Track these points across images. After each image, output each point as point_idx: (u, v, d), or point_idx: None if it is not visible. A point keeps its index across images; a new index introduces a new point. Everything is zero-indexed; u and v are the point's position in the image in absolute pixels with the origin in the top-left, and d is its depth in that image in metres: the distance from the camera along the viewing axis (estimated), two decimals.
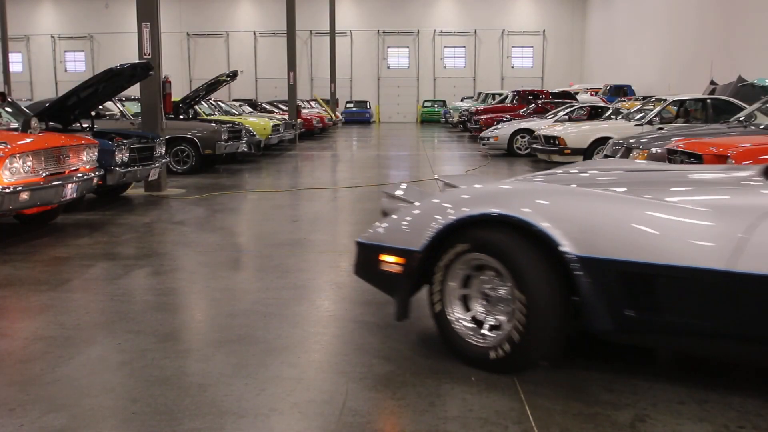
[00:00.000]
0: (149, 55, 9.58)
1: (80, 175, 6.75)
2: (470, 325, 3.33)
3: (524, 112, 20.41)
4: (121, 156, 8.24)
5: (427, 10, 41.85)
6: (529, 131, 15.53)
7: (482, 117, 20.47)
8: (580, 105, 17.43)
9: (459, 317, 3.35)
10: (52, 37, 43.31)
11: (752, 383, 3.17)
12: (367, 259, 3.62)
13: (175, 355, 3.54)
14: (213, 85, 14.32)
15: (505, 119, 18.67)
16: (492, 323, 3.28)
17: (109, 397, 3.05)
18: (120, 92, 9.48)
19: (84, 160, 6.94)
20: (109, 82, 8.61)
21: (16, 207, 5.99)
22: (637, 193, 3.12)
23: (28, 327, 3.97)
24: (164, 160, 9.57)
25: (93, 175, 7.01)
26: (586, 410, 2.90)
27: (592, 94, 24.89)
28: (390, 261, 3.46)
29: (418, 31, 41.99)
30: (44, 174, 6.23)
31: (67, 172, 6.60)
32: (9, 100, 8.88)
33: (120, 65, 8.53)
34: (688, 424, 2.78)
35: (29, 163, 6.06)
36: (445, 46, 42.41)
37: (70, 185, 6.49)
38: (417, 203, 3.55)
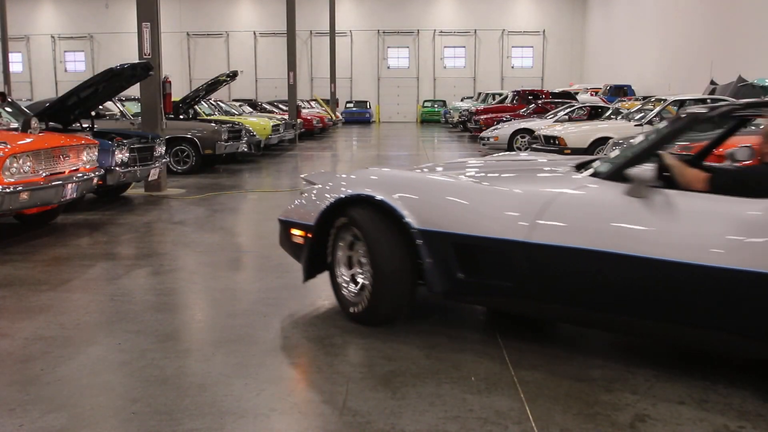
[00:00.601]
0: (149, 55, 9.58)
1: (80, 175, 6.75)
2: (347, 279, 4.04)
3: (524, 112, 20.41)
4: (121, 156, 8.23)
5: (427, 10, 41.83)
6: (529, 131, 15.53)
7: (482, 117, 20.46)
8: (580, 105, 17.44)
9: (341, 273, 4.05)
10: (52, 37, 43.30)
11: (752, 383, 3.17)
12: (283, 232, 4.40)
13: (175, 355, 3.55)
14: (213, 85, 14.31)
15: (505, 119, 18.66)
16: (360, 282, 3.94)
17: (109, 397, 3.05)
18: (120, 92, 9.48)
19: (84, 160, 6.94)
20: (109, 82, 8.61)
21: (16, 207, 5.99)
22: (479, 179, 3.78)
23: (28, 327, 3.97)
24: (164, 160, 9.56)
25: (93, 175, 7.01)
26: (586, 410, 2.90)
27: (592, 94, 24.88)
28: (296, 234, 4.24)
29: (418, 31, 41.98)
30: (44, 174, 6.23)
31: (67, 172, 6.60)
32: (9, 100, 8.88)
33: (120, 65, 8.53)
34: (688, 424, 2.78)
35: (29, 163, 6.06)
36: (445, 46, 42.38)
37: (70, 185, 6.49)
38: (317, 187, 4.26)
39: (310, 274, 4.17)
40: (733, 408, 2.91)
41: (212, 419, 2.82)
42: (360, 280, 3.95)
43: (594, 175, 3.46)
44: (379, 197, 3.74)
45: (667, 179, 3.30)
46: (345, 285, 4.03)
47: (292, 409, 2.93)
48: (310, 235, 4.07)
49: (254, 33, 42.50)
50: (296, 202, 4.35)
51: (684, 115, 3.49)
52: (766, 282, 2.80)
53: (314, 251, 4.10)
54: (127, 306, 4.41)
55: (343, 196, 3.88)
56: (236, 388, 3.12)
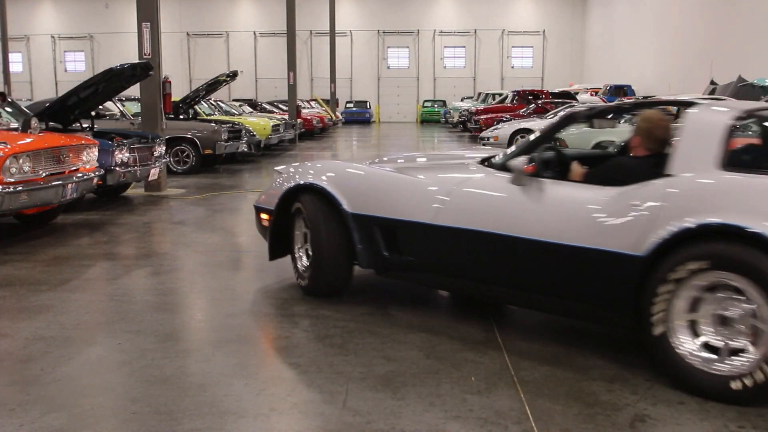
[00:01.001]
0: (149, 55, 9.57)
1: (80, 175, 6.75)
2: (301, 255, 4.61)
3: (524, 112, 20.40)
4: (121, 156, 8.23)
5: (427, 10, 41.83)
6: (529, 131, 15.51)
7: (482, 117, 20.46)
8: (580, 105, 17.42)
9: (297, 249, 4.63)
10: (52, 37, 43.30)
11: None
12: (256, 217, 4.96)
13: (175, 355, 3.55)
14: (213, 85, 14.31)
15: (505, 119, 18.66)
16: (308, 259, 4.50)
17: (109, 397, 3.05)
18: (120, 92, 9.48)
19: (84, 160, 6.94)
20: (109, 82, 8.61)
21: (16, 207, 5.99)
22: (405, 171, 4.28)
23: (28, 327, 3.97)
24: (164, 160, 9.56)
25: (93, 175, 7.00)
26: (586, 410, 2.90)
27: (592, 94, 24.88)
28: (264, 218, 4.78)
29: (418, 31, 41.98)
30: (44, 174, 6.23)
31: (67, 172, 6.60)
32: (9, 100, 8.87)
33: (120, 65, 8.53)
34: (688, 424, 2.78)
35: (29, 163, 6.06)
36: (445, 46, 42.39)
37: (70, 185, 6.49)
38: (282, 176, 4.76)
39: (274, 253, 4.71)
40: (733, 408, 2.91)
41: (212, 419, 2.82)
42: (306, 257, 4.56)
43: (489, 166, 3.97)
44: (320, 185, 4.33)
45: (562, 172, 3.79)
46: (299, 260, 4.61)
47: (292, 409, 2.93)
48: (272, 218, 4.65)
49: (254, 33, 42.50)
50: (265, 191, 4.92)
51: (563, 114, 4.11)
52: (606, 257, 3.22)
53: (276, 233, 4.66)
54: (127, 306, 4.41)
55: (294, 184, 4.48)
56: (236, 388, 3.12)
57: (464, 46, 42.35)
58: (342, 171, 4.45)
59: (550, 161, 3.72)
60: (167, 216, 7.98)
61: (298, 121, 21.62)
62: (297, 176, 4.57)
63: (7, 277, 5.12)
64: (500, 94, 28.22)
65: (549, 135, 3.89)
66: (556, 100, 21.03)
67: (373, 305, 4.37)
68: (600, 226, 3.27)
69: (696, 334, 3.04)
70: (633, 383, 3.17)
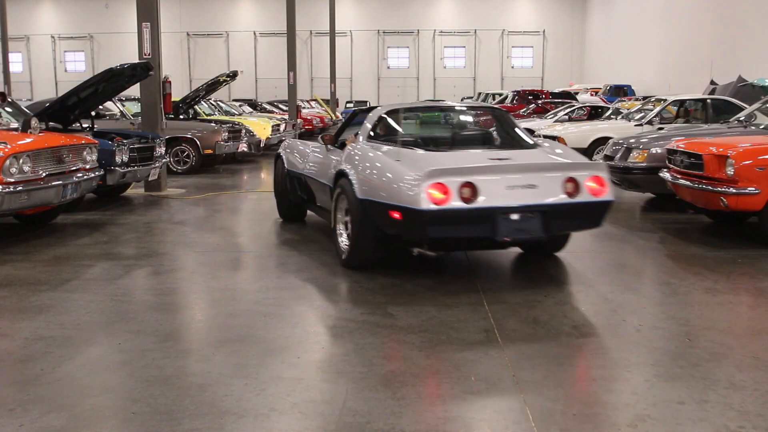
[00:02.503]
0: (149, 55, 9.57)
1: (80, 175, 6.74)
2: None
3: (524, 112, 20.40)
4: (121, 156, 8.23)
5: (427, 10, 41.83)
6: (530, 131, 15.50)
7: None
8: (580, 105, 17.41)
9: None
10: (52, 37, 43.30)
11: (752, 383, 3.17)
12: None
13: (175, 355, 3.55)
14: (213, 85, 14.30)
15: None
16: None
17: (109, 397, 3.05)
18: (120, 92, 9.47)
19: (84, 160, 6.93)
20: (109, 82, 8.60)
21: (16, 207, 5.99)
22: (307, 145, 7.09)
23: (28, 327, 3.97)
24: (164, 160, 9.56)
25: (93, 175, 7.00)
26: (586, 410, 2.90)
27: (592, 94, 24.88)
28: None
29: (418, 31, 41.98)
30: (44, 174, 6.23)
31: (67, 172, 6.59)
32: (9, 100, 8.87)
33: (120, 65, 8.52)
34: (688, 424, 2.78)
35: (29, 163, 6.06)
36: (445, 46, 42.38)
37: (70, 185, 6.49)
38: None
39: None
40: (733, 408, 2.91)
41: (212, 419, 2.82)
42: None
43: (324, 144, 6.28)
44: (282, 155, 7.31)
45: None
46: None
47: (292, 409, 2.93)
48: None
49: (254, 33, 42.50)
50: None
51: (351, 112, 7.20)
52: (321, 184, 6.06)
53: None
54: (127, 306, 4.41)
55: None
56: (236, 388, 3.12)
57: (464, 46, 42.34)
58: (290, 145, 7.40)
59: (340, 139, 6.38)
60: (167, 216, 7.98)
61: (298, 121, 21.61)
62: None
63: (7, 277, 5.12)
64: (500, 94, 28.22)
65: (343, 127, 6.72)
66: (556, 100, 21.02)
67: (373, 305, 4.37)
68: (327, 170, 5.92)
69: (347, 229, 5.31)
70: (633, 383, 3.17)
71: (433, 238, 4.68)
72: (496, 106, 6.59)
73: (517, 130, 6.01)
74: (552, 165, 4.90)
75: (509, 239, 4.70)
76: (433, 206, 4.45)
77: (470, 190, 4.51)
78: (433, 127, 7.02)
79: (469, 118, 7.14)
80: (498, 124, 6.22)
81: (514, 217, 4.58)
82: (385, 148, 5.33)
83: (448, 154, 5.35)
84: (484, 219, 4.55)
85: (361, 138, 5.67)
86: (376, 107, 6.25)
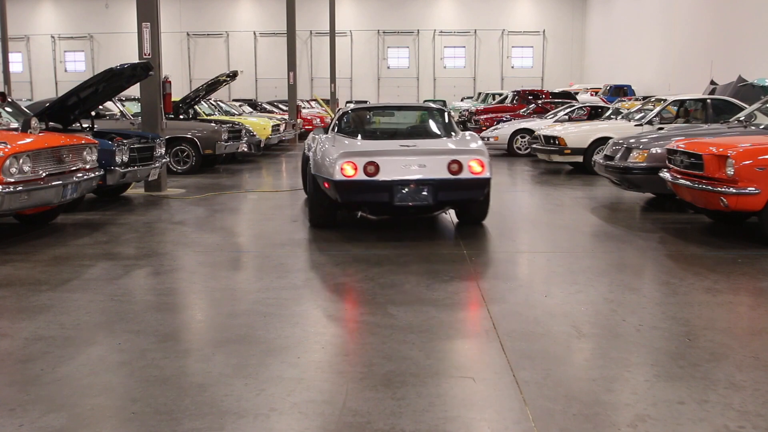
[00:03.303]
0: (149, 55, 9.57)
1: (80, 175, 6.75)
2: None
3: (524, 112, 20.38)
4: (121, 156, 8.23)
5: (427, 10, 41.81)
6: (529, 131, 15.51)
7: (482, 117, 20.44)
8: (580, 105, 17.41)
9: None
10: (52, 37, 43.28)
11: (752, 383, 3.17)
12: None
13: (175, 355, 3.55)
14: (213, 85, 14.30)
15: (505, 119, 18.64)
16: None
17: (109, 397, 3.05)
18: (120, 92, 9.47)
19: (84, 160, 6.94)
20: (109, 82, 8.60)
21: (16, 207, 5.99)
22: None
23: (28, 327, 3.97)
24: (164, 160, 9.56)
25: (93, 175, 7.00)
26: (586, 410, 2.90)
27: (592, 94, 24.89)
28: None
29: (418, 31, 41.97)
30: (44, 174, 6.23)
31: (67, 172, 6.59)
32: (9, 100, 8.87)
33: (120, 65, 8.52)
34: (688, 424, 2.78)
35: (29, 163, 6.06)
36: (445, 46, 42.35)
37: (70, 185, 6.49)
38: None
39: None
40: (733, 408, 2.91)
41: (212, 419, 2.82)
42: None
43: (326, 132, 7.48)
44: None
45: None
46: None
47: (292, 409, 2.93)
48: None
49: (254, 33, 42.48)
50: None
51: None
52: (320, 180, 6.56)
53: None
54: (127, 306, 4.41)
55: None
56: (236, 388, 3.12)
57: (464, 46, 42.32)
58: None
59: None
60: (167, 216, 7.98)
61: (298, 121, 21.62)
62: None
63: (7, 277, 5.12)
64: (500, 94, 28.20)
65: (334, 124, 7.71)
66: (556, 100, 21.01)
67: (373, 305, 4.37)
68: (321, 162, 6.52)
69: None
70: (633, 383, 3.17)
71: (345, 202, 6.25)
72: (435, 106, 7.99)
73: (446, 123, 7.49)
74: (441, 150, 6.36)
75: (403, 204, 6.14)
76: (344, 178, 6.06)
77: (374, 167, 6.07)
78: (382, 123, 9.08)
79: (413, 116, 8.67)
80: (433, 120, 7.70)
81: (407, 188, 6.11)
82: (333, 136, 7.02)
83: (370, 141, 6.90)
84: (383, 188, 6.10)
85: (328, 130, 7.46)
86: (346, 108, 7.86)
